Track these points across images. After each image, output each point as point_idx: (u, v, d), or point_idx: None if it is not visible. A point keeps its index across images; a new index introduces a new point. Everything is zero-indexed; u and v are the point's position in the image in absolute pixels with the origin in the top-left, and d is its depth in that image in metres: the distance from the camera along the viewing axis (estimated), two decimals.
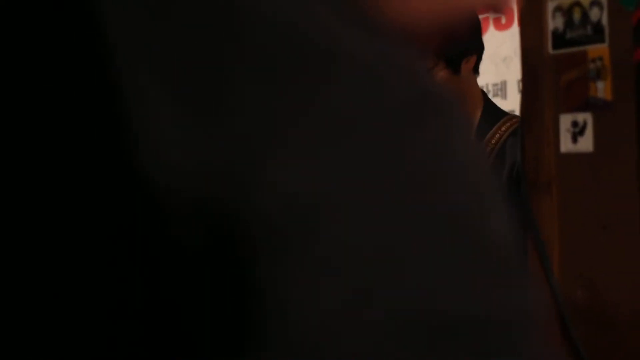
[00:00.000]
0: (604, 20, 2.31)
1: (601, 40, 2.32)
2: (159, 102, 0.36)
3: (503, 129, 2.92)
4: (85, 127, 0.37)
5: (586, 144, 2.38)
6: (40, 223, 0.36)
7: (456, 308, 0.36)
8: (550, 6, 2.40)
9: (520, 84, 2.76)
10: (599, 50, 2.33)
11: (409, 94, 0.39)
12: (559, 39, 2.41)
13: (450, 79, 2.84)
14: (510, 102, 4.43)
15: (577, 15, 2.36)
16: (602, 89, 2.33)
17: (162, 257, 0.36)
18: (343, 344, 0.35)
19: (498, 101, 3.48)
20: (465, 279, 0.36)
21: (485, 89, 3.68)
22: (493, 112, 3.01)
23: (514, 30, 4.34)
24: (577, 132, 2.40)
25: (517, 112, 2.79)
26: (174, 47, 0.37)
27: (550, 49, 2.42)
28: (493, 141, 2.89)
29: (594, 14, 2.33)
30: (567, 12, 2.38)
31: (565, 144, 2.42)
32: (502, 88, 4.92)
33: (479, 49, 2.98)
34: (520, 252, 0.39)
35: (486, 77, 4.34)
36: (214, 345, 0.35)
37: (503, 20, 4.68)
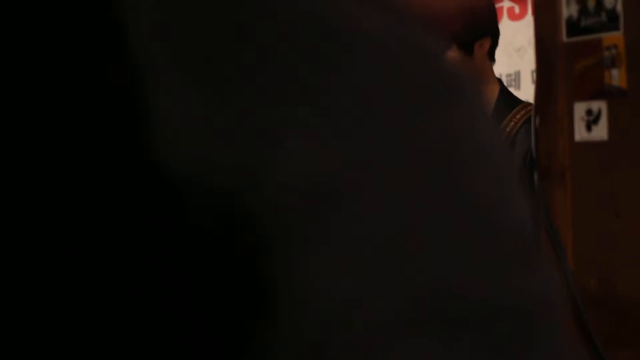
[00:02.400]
0: (619, 8, 2.30)
1: (616, 27, 2.31)
2: (176, 92, 0.36)
3: (518, 116, 2.92)
4: (102, 118, 0.37)
5: (600, 132, 2.38)
6: (56, 216, 0.36)
7: (475, 294, 0.35)
8: None
9: (534, 75, 2.76)
10: (614, 37, 2.32)
11: (430, 80, 0.38)
12: (574, 27, 2.40)
13: (462, 61, 2.83)
14: (524, 93, 4.41)
15: (591, 2, 2.35)
16: (616, 77, 2.32)
17: (176, 249, 0.36)
18: (357, 331, 0.34)
19: (512, 91, 3.48)
20: (485, 265, 0.36)
21: None
22: (508, 100, 3.01)
23: (528, 20, 4.33)
24: (592, 120, 2.40)
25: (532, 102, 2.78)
26: (191, 36, 0.37)
27: (564, 37, 2.41)
28: (508, 129, 2.89)
29: (609, 1, 2.32)
30: (581, 0, 2.37)
31: (580, 133, 2.41)
32: (515, 78, 4.91)
33: (493, 32, 2.97)
34: (538, 240, 0.39)
35: (500, 68, 4.34)
36: (226, 335, 0.35)
37: (517, 10, 4.66)
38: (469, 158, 0.38)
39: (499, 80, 3.12)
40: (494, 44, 3.00)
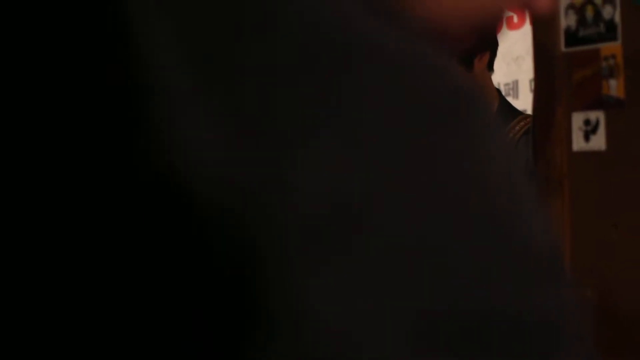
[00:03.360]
0: (617, 18, 2.31)
1: (614, 38, 2.32)
2: (188, 95, 0.36)
3: (517, 128, 2.92)
4: (113, 129, 0.37)
5: (598, 142, 2.38)
6: (69, 229, 0.37)
7: (491, 307, 0.35)
8: (563, 4, 2.39)
9: (532, 84, 2.76)
10: (612, 48, 2.32)
11: (440, 91, 0.38)
12: (572, 37, 2.40)
13: None
14: (522, 102, 4.41)
15: (589, 13, 2.36)
16: (614, 87, 2.33)
17: (189, 259, 0.36)
18: (370, 345, 0.34)
19: (510, 101, 3.48)
20: (500, 277, 0.36)
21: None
22: (507, 111, 3.02)
23: (526, 29, 4.33)
24: (590, 130, 2.40)
25: (529, 112, 2.78)
26: (205, 38, 0.36)
27: (562, 47, 2.42)
28: None
29: (607, 11, 2.32)
30: (579, 10, 2.38)
31: (578, 143, 2.42)
32: (514, 87, 4.91)
33: (492, 45, 2.97)
34: (558, 251, 0.39)
35: (498, 77, 4.33)
36: (223, 340, 0.35)
37: (515, 20, 4.67)
38: (480, 169, 0.37)
39: (498, 91, 3.13)
40: (493, 55, 3.01)
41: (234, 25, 0.37)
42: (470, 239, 0.36)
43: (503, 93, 4.20)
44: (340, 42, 0.37)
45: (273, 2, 0.37)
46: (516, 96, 4.87)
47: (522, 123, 2.94)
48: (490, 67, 3.02)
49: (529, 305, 0.36)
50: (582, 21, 2.38)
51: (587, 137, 2.40)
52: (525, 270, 0.36)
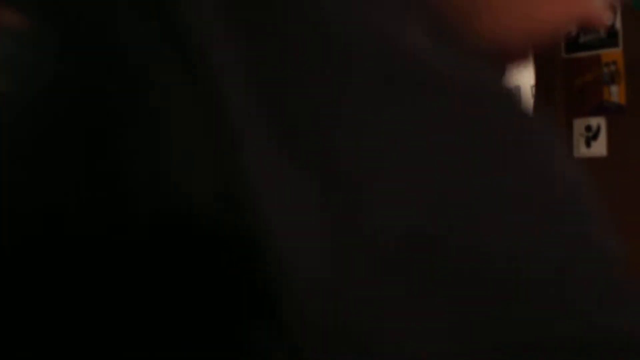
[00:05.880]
0: (618, 24, 2.31)
1: (615, 44, 2.32)
2: (252, 118, 0.36)
3: None
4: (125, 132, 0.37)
5: (600, 148, 2.38)
6: (75, 228, 0.37)
7: (577, 332, 0.35)
8: None
9: (534, 89, 2.76)
10: (613, 54, 2.33)
11: (505, 118, 0.38)
12: (573, 43, 2.41)
13: None
14: None
15: None
16: (615, 93, 2.33)
17: (194, 259, 0.36)
18: (389, 331, 0.34)
19: None
20: (573, 301, 0.36)
21: None
22: None
23: None
24: (591, 136, 2.40)
25: None
26: (264, 59, 0.36)
27: (563, 53, 2.42)
28: None
29: (607, 18, 2.33)
30: None
31: (579, 149, 2.42)
32: None
33: None
34: (624, 265, 0.39)
35: None
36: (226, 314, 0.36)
37: None
38: (553, 196, 0.37)
39: None
40: None
41: (295, 43, 0.36)
42: (549, 266, 0.35)
43: None
44: (406, 69, 0.37)
45: (341, 25, 0.37)
46: None
47: None
48: None
49: (618, 327, 0.35)
50: (582, 27, 2.38)
51: (588, 143, 2.41)
52: (610, 292, 0.36)
